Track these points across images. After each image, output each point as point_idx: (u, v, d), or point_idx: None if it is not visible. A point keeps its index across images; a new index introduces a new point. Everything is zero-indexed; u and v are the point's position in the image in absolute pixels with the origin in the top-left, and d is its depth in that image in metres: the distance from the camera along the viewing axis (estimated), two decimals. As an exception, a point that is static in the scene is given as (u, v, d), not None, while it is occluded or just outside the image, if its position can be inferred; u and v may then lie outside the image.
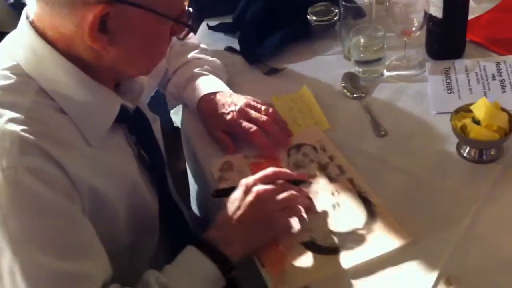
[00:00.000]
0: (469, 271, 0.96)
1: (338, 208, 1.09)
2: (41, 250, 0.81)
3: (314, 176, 1.16)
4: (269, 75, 1.48)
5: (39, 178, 0.82)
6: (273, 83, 1.45)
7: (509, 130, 1.12)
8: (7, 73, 0.92)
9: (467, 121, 1.13)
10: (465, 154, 1.16)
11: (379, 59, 1.40)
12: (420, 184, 1.12)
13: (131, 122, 1.05)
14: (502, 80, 1.33)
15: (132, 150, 1.06)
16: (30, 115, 0.87)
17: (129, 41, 0.92)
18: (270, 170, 1.09)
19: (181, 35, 1.01)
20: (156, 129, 1.16)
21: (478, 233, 1.02)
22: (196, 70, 1.35)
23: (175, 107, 1.45)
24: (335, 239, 1.03)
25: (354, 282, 0.97)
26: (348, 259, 1.00)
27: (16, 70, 0.92)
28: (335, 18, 1.48)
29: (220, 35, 1.64)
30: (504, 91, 1.30)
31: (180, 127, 1.45)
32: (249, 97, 1.30)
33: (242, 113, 1.24)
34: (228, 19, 1.65)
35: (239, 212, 1.02)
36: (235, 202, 1.03)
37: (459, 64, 1.40)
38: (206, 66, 1.37)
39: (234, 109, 1.25)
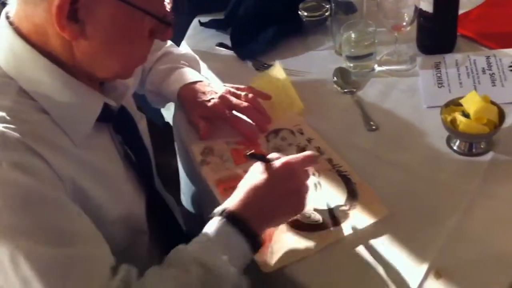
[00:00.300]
0: (459, 263, 0.97)
1: (320, 188, 1.12)
2: (40, 239, 0.81)
3: None
4: (261, 71, 1.48)
5: (25, 171, 0.82)
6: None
7: (498, 123, 1.12)
8: None
9: (457, 115, 1.14)
10: (455, 148, 1.17)
11: (370, 54, 1.40)
12: (411, 177, 1.13)
13: (115, 121, 1.04)
14: (492, 74, 1.33)
15: (118, 149, 1.05)
16: (12, 114, 0.86)
17: (100, 34, 0.89)
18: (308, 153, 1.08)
19: (163, 37, 0.98)
20: (143, 128, 1.16)
21: (468, 225, 1.02)
22: (171, 64, 1.36)
23: (159, 104, 1.45)
24: (319, 216, 1.06)
25: (344, 273, 0.98)
26: (333, 234, 1.03)
27: None
28: (326, 14, 1.49)
29: (212, 31, 1.64)
30: (494, 85, 1.31)
31: (171, 122, 1.45)
32: (228, 84, 1.32)
33: (223, 100, 1.27)
34: (220, 16, 1.65)
35: (272, 188, 0.99)
36: (267, 176, 1.00)
37: (450, 58, 1.40)
38: (180, 60, 1.38)
39: (214, 97, 1.27)
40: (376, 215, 1.05)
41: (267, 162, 1.02)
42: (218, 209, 0.98)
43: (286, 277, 1.00)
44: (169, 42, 1.42)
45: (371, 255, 1.00)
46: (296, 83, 1.40)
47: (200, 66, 1.46)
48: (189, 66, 1.38)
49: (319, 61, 1.48)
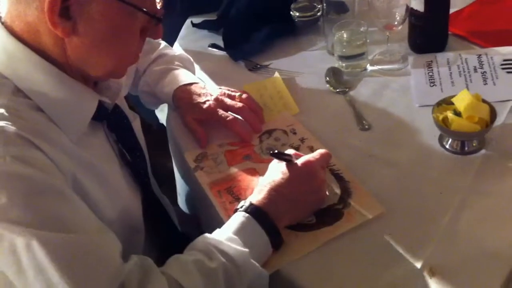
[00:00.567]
0: (452, 261, 0.97)
1: None
2: (51, 227, 0.81)
3: None
4: (254, 71, 1.49)
5: (28, 164, 0.82)
6: (258, 80, 1.45)
7: (490, 121, 1.13)
8: None
9: (449, 113, 1.14)
10: (447, 146, 1.17)
11: (362, 54, 1.41)
12: (403, 176, 1.14)
13: (109, 119, 1.05)
14: (484, 72, 1.34)
15: (113, 148, 1.06)
16: (9, 112, 0.86)
17: (92, 31, 0.90)
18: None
19: (155, 34, 0.99)
20: (137, 127, 1.16)
21: (461, 223, 1.03)
22: (166, 66, 1.36)
23: (153, 105, 1.45)
24: (313, 216, 1.07)
25: (338, 272, 0.99)
26: (326, 233, 1.03)
27: None
28: (318, 14, 1.50)
29: (204, 32, 1.65)
30: (486, 83, 1.31)
31: (165, 124, 1.46)
32: (223, 87, 1.33)
33: (218, 101, 1.27)
34: (213, 16, 1.66)
35: (295, 187, 1.04)
36: (290, 175, 1.05)
37: (442, 57, 1.41)
38: (175, 61, 1.38)
39: (210, 99, 1.28)
40: (370, 213, 1.05)
41: (291, 162, 1.06)
42: (243, 204, 1.02)
43: (280, 277, 1.00)
44: (164, 44, 1.43)
45: (365, 254, 1.00)
46: (289, 84, 1.41)
47: (194, 68, 1.46)
48: (184, 67, 1.39)
49: (311, 61, 1.49)
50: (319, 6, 1.49)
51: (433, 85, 1.33)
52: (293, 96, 1.37)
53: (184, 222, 1.34)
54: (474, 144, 1.16)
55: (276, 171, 1.06)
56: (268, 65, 1.49)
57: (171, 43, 1.56)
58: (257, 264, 0.95)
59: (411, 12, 1.36)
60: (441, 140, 1.19)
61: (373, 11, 1.34)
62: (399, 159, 1.17)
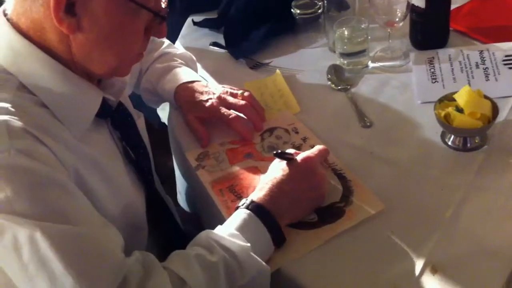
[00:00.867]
0: (455, 258, 0.97)
1: None
2: (55, 219, 0.82)
3: None
4: (255, 69, 1.48)
5: (32, 157, 0.83)
6: (259, 78, 1.45)
7: (492, 117, 1.13)
8: None
9: (451, 110, 1.14)
10: (449, 143, 1.17)
11: (363, 51, 1.40)
12: (405, 173, 1.13)
13: (113, 116, 1.05)
14: (486, 68, 1.33)
15: (117, 145, 1.07)
16: (14, 107, 0.87)
17: (96, 28, 0.91)
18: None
19: (159, 33, 1.00)
20: (141, 125, 1.16)
21: (463, 220, 1.03)
22: (168, 63, 1.36)
23: (154, 103, 1.45)
24: (314, 214, 1.06)
25: (341, 271, 0.98)
26: (328, 232, 1.03)
27: None
28: (319, 11, 1.49)
29: (205, 31, 1.64)
30: (488, 79, 1.31)
31: (167, 122, 1.45)
32: (225, 85, 1.33)
33: (220, 100, 1.27)
34: (213, 15, 1.65)
35: (296, 183, 1.04)
36: (290, 172, 1.05)
37: (443, 53, 1.40)
38: (177, 59, 1.38)
39: (212, 97, 1.28)
40: (371, 209, 1.05)
41: (292, 160, 1.06)
42: (245, 201, 1.02)
43: (282, 276, 1.00)
44: (167, 43, 1.43)
45: (367, 252, 1.00)
46: (290, 81, 1.41)
47: (197, 66, 1.46)
48: (186, 65, 1.39)
49: (312, 58, 1.49)
50: (320, 3, 1.48)
51: (435, 82, 1.33)
52: (294, 94, 1.37)
53: (185, 221, 1.34)
54: (476, 141, 1.15)
55: (277, 168, 1.07)
56: (269, 63, 1.49)
57: (172, 41, 1.56)
58: (258, 259, 0.96)
59: (412, 9, 1.36)
60: (443, 136, 1.18)
61: (374, 7, 1.34)
62: (401, 156, 1.17)
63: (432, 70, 1.36)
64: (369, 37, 1.40)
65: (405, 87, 1.34)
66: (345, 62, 1.41)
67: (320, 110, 1.32)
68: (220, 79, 1.44)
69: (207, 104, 1.27)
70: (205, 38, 1.62)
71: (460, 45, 1.43)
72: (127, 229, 1.04)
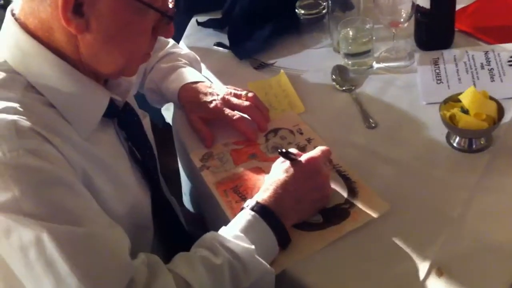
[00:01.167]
0: (461, 260, 0.96)
1: None
2: (62, 220, 0.82)
3: None
4: (259, 69, 1.48)
5: (40, 156, 0.83)
6: (263, 78, 1.45)
7: (497, 118, 1.12)
8: None
9: (456, 111, 1.14)
10: (454, 144, 1.16)
11: (368, 51, 1.40)
12: (410, 174, 1.13)
13: (120, 116, 1.05)
14: (491, 69, 1.33)
15: (123, 145, 1.07)
16: (22, 106, 0.87)
17: (104, 28, 0.91)
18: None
19: (166, 33, 1.00)
20: (146, 125, 1.16)
21: (468, 222, 1.02)
22: (172, 63, 1.36)
23: (158, 103, 1.45)
24: (319, 216, 1.06)
25: (346, 272, 0.98)
26: (334, 233, 1.03)
27: (3, 67, 0.93)
28: (324, 11, 1.48)
29: (209, 31, 1.64)
30: (493, 80, 1.30)
31: (171, 123, 1.45)
32: (229, 86, 1.33)
33: (224, 101, 1.27)
34: (217, 15, 1.65)
35: (300, 184, 1.04)
36: (294, 172, 1.05)
37: (448, 54, 1.40)
38: (182, 59, 1.38)
39: (216, 98, 1.28)
40: (377, 211, 1.05)
41: (295, 160, 1.06)
42: (250, 202, 1.02)
43: (288, 277, 1.00)
44: (172, 42, 1.43)
45: (372, 253, 1.00)
46: (294, 82, 1.40)
47: (201, 66, 1.46)
48: (191, 66, 1.39)
49: (316, 59, 1.48)
50: (324, 3, 1.48)
51: (440, 82, 1.32)
52: (298, 94, 1.36)
53: (190, 221, 1.33)
54: (481, 142, 1.15)
55: (281, 169, 1.06)
56: (273, 63, 1.49)
57: (176, 41, 1.56)
58: (263, 261, 0.95)
59: (417, 9, 1.35)
60: (448, 137, 1.18)
61: (379, 8, 1.34)
62: (406, 157, 1.16)
63: (437, 70, 1.36)
64: (374, 38, 1.39)
65: (410, 87, 1.33)
66: (350, 62, 1.41)
67: (325, 111, 1.32)
68: (224, 80, 1.44)
69: (211, 105, 1.27)
70: (209, 38, 1.61)
71: (465, 45, 1.42)
72: (133, 229, 1.04)
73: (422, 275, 0.95)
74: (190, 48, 1.56)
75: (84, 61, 0.95)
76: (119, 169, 1.03)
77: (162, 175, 1.24)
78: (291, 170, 1.05)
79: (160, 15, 0.95)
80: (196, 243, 0.97)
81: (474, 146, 1.15)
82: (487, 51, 1.38)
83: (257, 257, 0.95)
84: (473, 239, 1.00)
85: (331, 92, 1.37)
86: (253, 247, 0.95)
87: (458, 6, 1.44)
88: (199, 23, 1.66)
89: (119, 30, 0.93)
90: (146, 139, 1.14)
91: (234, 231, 0.97)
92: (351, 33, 1.39)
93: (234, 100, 1.27)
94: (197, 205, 1.47)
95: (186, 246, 0.99)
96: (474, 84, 1.30)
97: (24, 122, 0.85)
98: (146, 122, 1.17)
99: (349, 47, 1.40)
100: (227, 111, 1.26)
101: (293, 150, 1.10)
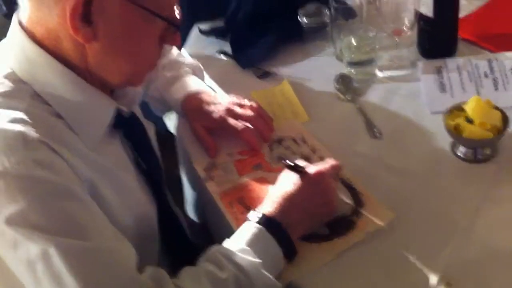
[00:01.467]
0: (469, 271, 0.96)
1: None
2: (68, 233, 0.81)
3: None
4: (262, 78, 1.48)
5: (47, 168, 0.83)
6: (266, 87, 1.45)
7: (502, 128, 1.12)
8: (1, 79, 0.92)
9: (460, 120, 1.13)
10: (459, 154, 1.16)
11: (371, 60, 1.40)
12: (415, 184, 1.13)
13: (126, 127, 1.05)
14: (495, 77, 1.33)
15: (129, 156, 1.06)
16: (29, 117, 0.87)
17: (112, 37, 0.91)
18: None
19: (173, 42, 1.00)
20: (152, 136, 1.16)
21: (475, 233, 1.02)
22: (176, 72, 1.36)
23: (161, 112, 1.45)
24: (326, 227, 1.06)
25: (353, 285, 0.98)
26: (340, 244, 1.03)
27: (10, 76, 0.93)
28: (326, 20, 1.48)
29: (212, 39, 1.64)
30: (497, 89, 1.30)
31: (174, 131, 1.45)
32: (232, 95, 1.33)
33: (228, 110, 1.27)
34: (220, 23, 1.65)
35: (307, 197, 1.03)
36: (302, 185, 1.04)
37: (451, 62, 1.40)
38: (186, 68, 1.38)
39: (219, 107, 1.28)
40: (382, 220, 1.05)
41: (303, 173, 1.05)
42: (255, 215, 1.01)
43: (293, 288, 0.99)
44: (176, 51, 1.42)
45: (378, 266, 0.99)
46: (297, 90, 1.40)
47: (204, 75, 1.45)
48: (194, 74, 1.39)
49: (319, 67, 1.48)
50: (327, 11, 1.48)
51: (443, 91, 1.32)
52: (302, 103, 1.36)
53: (194, 232, 1.33)
54: (487, 152, 1.15)
55: (288, 181, 1.06)
56: (276, 72, 1.48)
57: (178, 49, 1.56)
58: (269, 275, 0.95)
59: (420, 17, 1.35)
60: (453, 147, 1.17)
61: (382, 16, 1.34)
62: (410, 167, 1.16)
63: (440, 79, 1.35)
64: (377, 46, 1.39)
65: (414, 96, 1.33)
66: (353, 71, 1.41)
67: (328, 120, 1.32)
68: (227, 88, 1.43)
69: (214, 114, 1.27)
70: (212, 46, 1.61)
71: (469, 54, 1.42)
72: (139, 241, 1.04)
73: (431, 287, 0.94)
74: (193, 56, 1.55)
75: (91, 71, 0.95)
76: (125, 179, 1.03)
77: (166, 184, 1.23)
78: (299, 182, 1.05)
79: (167, 24, 0.96)
80: (201, 257, 0.97)
81: (479, 156, 1.14)
82: (491, 59, 1.38)
83: (263, 271, 0.94)
84: (481, 249, 0.99)
85: (334, 101, 1.36)
86: (259, 260, 0.95)
87: (462, 14, 1.43)
88: (201, 31, 1.65)
89: (126, 39, 0.93)
90: (152, 149, 1.14)
91: (240, 245, 0.97)
92: (354, 41, 1.39)
93: (238, 110, 1.27)
94: (200, 214, 1.46)
95: (190, 256, 0.98)
96: (478, 93, 1.29)
97: (32, 133, 0.85)
98: (152, 133, 1.16)
99: (352, 56, 1.40)
100: (231, 120, 1.25)
101: (301, 162, 1.10)
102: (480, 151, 1.14)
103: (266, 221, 0.99)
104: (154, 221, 1.11)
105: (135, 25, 0.92)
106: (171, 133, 1.53)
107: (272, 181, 1.12)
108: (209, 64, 1.52)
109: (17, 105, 0.89)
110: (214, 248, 0.97)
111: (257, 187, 1.15)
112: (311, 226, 1.04)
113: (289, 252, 0.99)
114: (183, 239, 1.22)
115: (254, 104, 1.29)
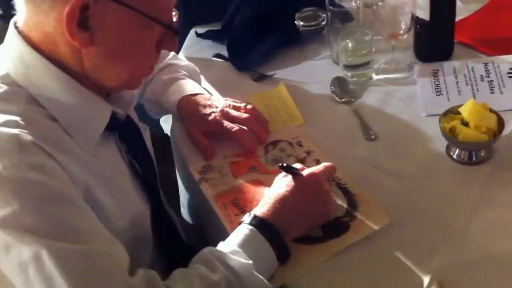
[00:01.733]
0: (462, 273, 0.96)
1: None
2: (61, 237, 0.81)
3: None
4: (258, 81, 1.48)
5: (41, 171, 0.83)
6: (262, 90, 1.44)
7: (498, 131, 1.12)
8: None
9: (456, 123, 1.13)
10: (455, 156, 1.16)
11: (367, 63, 1.40)
12: (411, 187, 1.12)
13: (121, 130, 1.05)
14: (491, 81, 1.33)
15: (124, 159, 1.06)
16: (24, 120, 0.87)
17: (109, 42, 0.91)
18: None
19: (171, 46, 1.00)
20: (147, 138, 1.16)
21: (470, 235, 1.02)
22: (172, 75, 1.36)
23: (157, 114, 1.44)
24: (319, 229, 1.05)
25: (346, 285, 0.98)
26: (334, 247, 1.02)
27: (5, 79, 0.93)
28: (323, 23, 1.48)
29: (209, 42, 1.64)
30: (493, 92, 1.30)
31: (170, 134, 1.45)
32: (228, 98, 1.33)
33: (223, 113, 1.27)
34: (217, 26, 1.65)
35: (300, 199, 1.03)
36: (295, 187, 1.04)
37: (448, 66, 1.40)
38: (182, 71, 1.38)
39: (215, 110, 1.27)
40: (377, 224, 1.04)
41: (297, 175, 1.05)
42: (248, 217, 1.01)
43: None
44: (172, 54, 1.42)
45: (373, 267, 0.99)
46: (294, 93, 1.40)
47: (200, 78, 1.45)
48: (190, 77, 1.38)
49: (316, 70, 1.48)
50: (323, 15, 1.48)
51: (440, 94, 1.32)
52: (298, 106, 1.36)
53: (189, 234, 1.33)
54: (482, 154, 1.14)
55: (281, 184, 1.06)
56: (273, 75, 1.48)
57: (175, 52, 1.56)
58: (261, 277, 0.94)
59: (416, 21, 1.35)
60: (448, 150, 1.17)
61: (378, 20, 1.33)
62: (405, 169, 1.16)
63: (436, 82, 1.35)
64: (373, 49, 1.39)
65: (410, 99, 1.33)
66: (349, 74, 1.41)
67: (324, 123, 1.32)
68: (223, 91, 1.43)
69: (210, 117, 1.26)
70: (208, 50, 1.61)
71: (465, 57, 1.42)
72: (133, 243, 1.04)
73: (422, 288, 0.94)
74: (189, 59, 1.55)
75: (88, 75, 0.95)
76: (120, 182, 1.03)
77: (160, 186, 1.23)
78: (292, 185, 1.04)
79: (164, 29, 0.95)
80: (193, 259, 0.96)
81: (474, 159, 1.14)
82: (487, 63, 1.38)
83: (255, 272, 0.94)
84: (474, 252, 0.99)
85: (330, 104, 1.36)
86: (250, 262, 0.94)
87: (458, 18, 1.44)
88: (198, 35, 1.65)
89: (124, 44, 0.93)
90: (147, 152, 1.14)
91: (232, 246, 0.97)
92: (350, 44, 1.39)
93: (233, 112, 1.27)
94: (195, 216, 1.46)
95: (185, 258, 0.98)
96: (474, 96, 1.29)
97: (26, 136, 0.85)
98: (147, 135, 1.16)
99: (349, 59, 1.40)
100: (226, 123, 1.25)
101: (297, 165, 1.09)
102: (475, 154, 1.14)
103: (258, 223, 0.99)
104: (148, 224, 1.10)
105: (132, 30, 0.92)
106: (167, 136, 1.53)
107: (267, 183, 1.12)
108: (205, 67, 1.52)
109: (12, 108, 0.89)
110: (206, 250, 0.97)
111: (251, 189, 1.15)
112: (305, 228, 1.04)
113: (282, 254, 0.99)
114: (177, 241, 1.22)
115: (249, 106, 1.29)
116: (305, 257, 1.01)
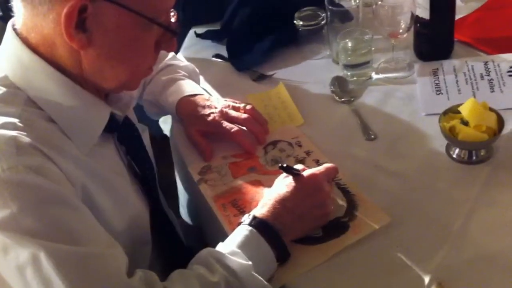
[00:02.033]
0: (462, 273, 0.95)
1: None
2: (59, 238, 0.81)
3: None
4: (258, 81, 1.47)
5: (40, 173, 0.83)
6: (262, 90, 1.44)
7: (498, 130, 1.11)
8: None
9: (456, 122, 1.13)
10: (454, 156, 1.15)
11: (367, 62, 1.39)
12: (410, 186, 1.12)
13: (120, 131, 1.05)
14: (491, 79, 1.32)
15: (123, 160, 1.06)
16: (22, 122, 0.87)
17: (108, 43, 0.91)
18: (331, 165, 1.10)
19: (169, 47, 0.99)
20: (145, 140, 1.16)
21: (469, 234, 1.01)
22: (171, 75, 1.35)
23: (156, 115, 1.44)
24: (319, 229, 1.05)
25: (345, 285, 0.97)
26: (333, 247, 1.02)
27: (3, 81, 0.93)
28: (322, 22, 1.48)
29: (208, 42, 1.64)
30: (493, 91, 1.30)
31: (169, 135, 1.45)
32: (227, 98, 1.32)
33: (222, 114, 1.27)
34: (216, 26, 1.65)
35: (300, 200, 1.02)
36: (295, 188, 1.04)
37: (448, 64, 1.39)
38: (181, 72, 1.38)
39: (214, 111, 1.27)
40: (377, 223, 1.04)
41: (298, 176, 1.05)
42: (247, 217, 1.01)
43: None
44: (171, 54, 1.42)
45: (373, 268, 0.99)
46: (293, 93, 1.40)
47: (199, 78, 1.45)
48: (189, 78, 1.38)
49: (315, 70, 1.48)
50: (323, 14, 1.47)
51: (440, 93, 1.32)
52: (297, 106, 1.36)
53: (188, 235, 1.33)
54: (482, 154, 1.14)
55: (281, 185, 1.05)
56: (272, 75, 1.48)
57: (174, 53, 1.55)
58: (260, 278, 0.94)
59: (416, 20, 1.35)
60: (448, 149, 1.17)
61: (378, 19, 1.33)
62: (405, 169, 1.16)
63: (436, 81, 1.35)
64: (373, 49, 1.39)
65: (410, 98, 1.33)
66: (349, 73, 1.40)
67: (324, 122, 1.31)
68: (222, 92, 1.43)
69: (209, 118, 1.26)
70: (208, 50, 1.61)
71: (465, 56, 1.41)
72: (132, 244, 1.04)
73: (422, 289, 0.94)
74: (189, 59, 1.55)
75: (86, 76, 0.94)
76: (119, 184, 1.03)
77: (160, 187, 1.23)
78: (292, 185, 1.04)
79: (163, 30, 0.95)
80: (192, 260, 0.96)
81: (474, 158, 1.14)
82: (487, 62, 1.38)
83: (254, 273, 0.93)
84: (474, 251, 0.99)
85: (330, 103, 1.36)
86: (249, 263, 0.94)
87: (458, 17, 1.43)
88: (197, 35, 1.65)
89: (122, 45, 0.92)
90: (146, 153, 1.14)
91: (231, 247, 0.96)
92: (350, 44, 1.39)
93: (232, 113, 1.27)
94: (194, 217, 1.46)
95: (184, 259, 0.98)
96: (474, 95, 1.29)
97: (24, 138, 0.84)
98: (146, 136, 1.16)
99: (348, 58, 1.39)
100: (225, 124, 1.25)
101: (298, 166, 1.09)
102: (475, 153, 1.14)
103: (258, 224, 0.99)
104: (146, 225, 1.10)
105: (131, 31, 0.92)
106: (166, 137, 1.53)
107: (266, 184, 1.12)
108: (205, 68, 1.52)
109: (10, 110, 0.88)
110: (205, 251, 0.97)
111: (251, 190, 1.15)
112: (305, 229, 1.04)
113: (282, 255, 0.99)
114: (176, 242, 1.22)
115: (248, 107, 1.29)
116: (305, 257, 1.01)
